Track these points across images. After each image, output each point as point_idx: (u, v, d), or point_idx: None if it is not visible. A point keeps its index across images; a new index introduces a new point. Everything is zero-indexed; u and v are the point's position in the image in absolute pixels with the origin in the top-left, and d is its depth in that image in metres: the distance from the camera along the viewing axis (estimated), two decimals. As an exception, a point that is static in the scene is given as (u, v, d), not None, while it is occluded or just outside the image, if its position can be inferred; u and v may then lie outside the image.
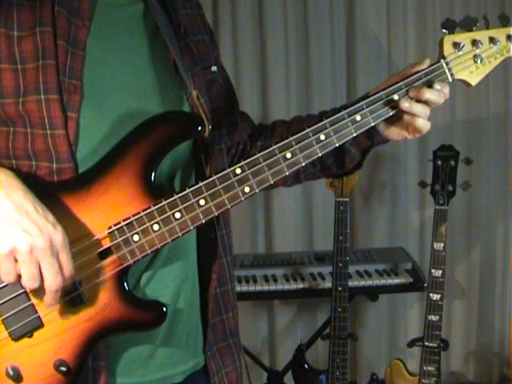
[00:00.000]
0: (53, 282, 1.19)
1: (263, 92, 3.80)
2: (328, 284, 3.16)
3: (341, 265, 3.01)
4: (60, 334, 1.28)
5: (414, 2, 3.76)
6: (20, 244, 1.16)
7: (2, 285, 1.24)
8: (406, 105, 1.46)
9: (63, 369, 1.27)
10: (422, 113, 1.47)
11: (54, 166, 1.32)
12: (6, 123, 1.34)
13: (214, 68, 1.59)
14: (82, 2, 1.37)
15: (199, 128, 1.36)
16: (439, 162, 2.91)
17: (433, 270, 2.90)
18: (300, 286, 3.22)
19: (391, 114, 1.48)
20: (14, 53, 1.31)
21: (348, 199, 3.03)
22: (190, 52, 1.52)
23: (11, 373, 1.26)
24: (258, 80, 3.79)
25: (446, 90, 1.50)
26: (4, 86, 1.31)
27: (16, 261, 1.17)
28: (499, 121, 3.81)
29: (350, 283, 3.11)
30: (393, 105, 1.47)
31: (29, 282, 1.18)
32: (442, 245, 2.89)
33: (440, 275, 2.89)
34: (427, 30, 3.75)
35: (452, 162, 2.89)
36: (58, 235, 1.20)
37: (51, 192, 1.28)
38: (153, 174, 1.32)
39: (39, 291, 1.22)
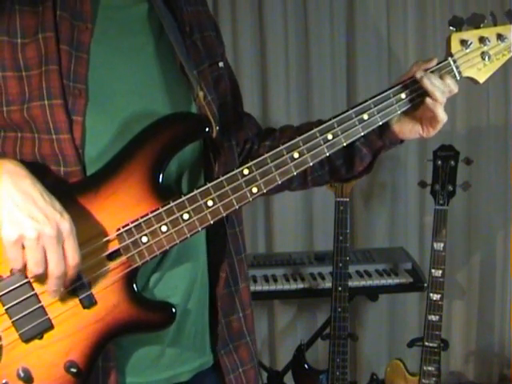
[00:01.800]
0: (56, 269, 1.20)
1: (263, 92, 3.80)
2: (328, 284, 3.16)
3: (341, 265, 3.01)
4: (70, 336, 1.28)
5: (414, 1, 3.77)
6: (28, 231, 1.17)
7: (13, 287, 1.24)
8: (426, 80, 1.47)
9: (73, 370, 1.27)
10: (440, 97, 1.47)
11: (62, 169, 1.33)
12: (13, 129, 1.35)
13: (221, 64, 1.59)
14: (84, 5, 1.37)
15: (207, 129, 1.36)
16: (439, 162, 2.91)
17: (433, 270, 2.90)
18: (300, 285, 3.23)
19: (399, 112, 1.49)
20: (18, 60, 1.32)
21: (348, 199, 3.03)
22: (196, 50, 1.51)
23: (22, 374, 1.26)
24: (258, 80, 3.79)
25: (450, 81, 1.50)
26: (9, 94, 1.32)
27: (23, 247, 1.18)
28: (499, 121, 3.82)
29: (350, 283, 3.11)
30: (401, 103, 1.48)
31: (34, 268, 1.19)
32: (441, 245, 2.89)
33: (440, 275, 2.89)
34: (427, 29, 3.75)
35: (452, 162, 2.89)
36: (65, 223, 1.20)
37: (59, 194, 1.27)
38: (160, 176, 1.32)
39: (43, 280, 1.22)
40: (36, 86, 1.31)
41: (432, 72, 1.50)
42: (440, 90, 1.48)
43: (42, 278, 1.23)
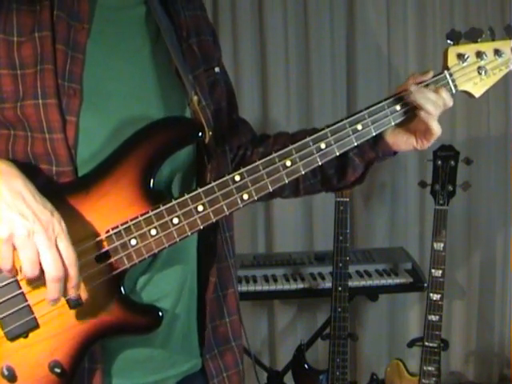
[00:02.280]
0: (52, 269, 1.18)
1: (263, 92, 3.80)
2: (328, 284, 3.17)
3: (341, 265, 3.01)
4: (55, 336, 1.28)
5: (414, 3, 3.76)
6: (18, 229, 1.16)
7: None
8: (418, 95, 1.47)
9: (58, 370, 1.27)
10: (434, 111, 1.47)
11: (54, 169, 1.33)
12: (6, 127, 1.35)
13: (216, 69, 1.59)
14: (81, 5, 1.37)
15: (199, 134, 1.36)
16: (439, 162, 2.91)
17: (433, 270, 2.90)
18: (300, 285, 3.23)
19: (393, 124, 1.49)
20: (13, 58, 1.32)
21: (348, 199, 3.04)
22: (192, 54, 1.51)
23: (6, 372, 1.26)
24: (258, 80, 3.80)
25: (445, 94, 1.50)
26: (4, 91, 1.32)
27: (14, 248, 1.17)
28: (499, 120, 3.82)
29: (350, 283, 3.11)
30: (395, 115, 1.48)
31: (28, 269, 1.18)
32: (441, 245, 2.89)
33: (440, 275, 2.89)
34: (427, 30, 3.74)
35: (452, 162, 2.89)
36: (55, 222, 1.20)
37: (50, 194, 1.27)
38: (152, 179, 1.32)
39: (39, 286, 1.22)
40: (31, 84, 1.31)
41: (427, 85, 1.50)
42: (432, 102, 1.47)
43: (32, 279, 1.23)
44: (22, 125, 1.33)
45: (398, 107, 1.49)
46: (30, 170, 1.29)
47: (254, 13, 3.74)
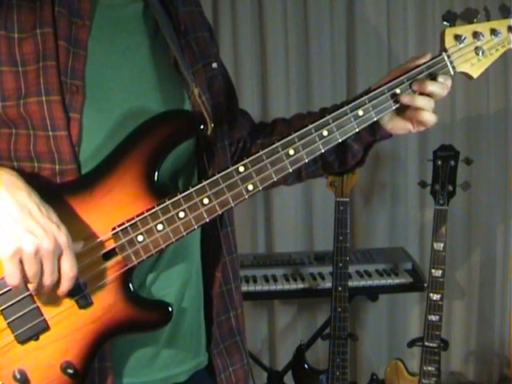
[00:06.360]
0: (48, 279, 1.19)
1: (263, 92, 3.79)
2: (328, 284, 3.17)
3: (341, 265, 3.01)
4: (66, 336, 1.27)
5: (414, 1, 3.76)
6: (25, 245, 1.16)
7: (7, 288, 1.23)
8: (406, 99, 1.46)
9: (70, 371, 1.26)
10: (426, 105, 1.47)
11: (57, 167, 1.32)
12: (7, 125, 1.34)
13: (214, 64, 1.59)
14: (82, 2, 1.37)
15: (201, 126, 1.36)
16: (439, 162, 2.91)
17: (433, 270, 2.90)
18: (300, 285, 3.23)
19: (393, 108, 1.47)
20: (14, 55, 1.31)
21: (348, 199, 3.03)
22: (190, 49, 1.51)
23: (18, 376, 1.25)
24: (258, 80, 3.79)
25: (449, 82, 1.50)
26: (5, 89, 1.31)
27: (21, 262, 1.17)
28: (499, 120, 3.82)
29: (350, 283, 3.11)
30: (395, 99, 1.47)
31: (31, 279, 1.19)
32: (441, 245, 2.89)
33: (440, 275, 2.89)
34: (427, 26, 3.76)
35: (452, 162, 2.89)
36: (62, 236, 1.20)
37: (54, 194, 1.27)
38: (156, 174, 1.32)
39: (41, 290, 1.22)
40: (33, 81, 1.31)
41: (430, 74, 1.49)
42: (428, 101, 1.47)
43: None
44: (25, 123, 1.32)
45: (398, 91, 1.47)
46: (33, 172, 1.30)
47: (254, 9, 3.73)
